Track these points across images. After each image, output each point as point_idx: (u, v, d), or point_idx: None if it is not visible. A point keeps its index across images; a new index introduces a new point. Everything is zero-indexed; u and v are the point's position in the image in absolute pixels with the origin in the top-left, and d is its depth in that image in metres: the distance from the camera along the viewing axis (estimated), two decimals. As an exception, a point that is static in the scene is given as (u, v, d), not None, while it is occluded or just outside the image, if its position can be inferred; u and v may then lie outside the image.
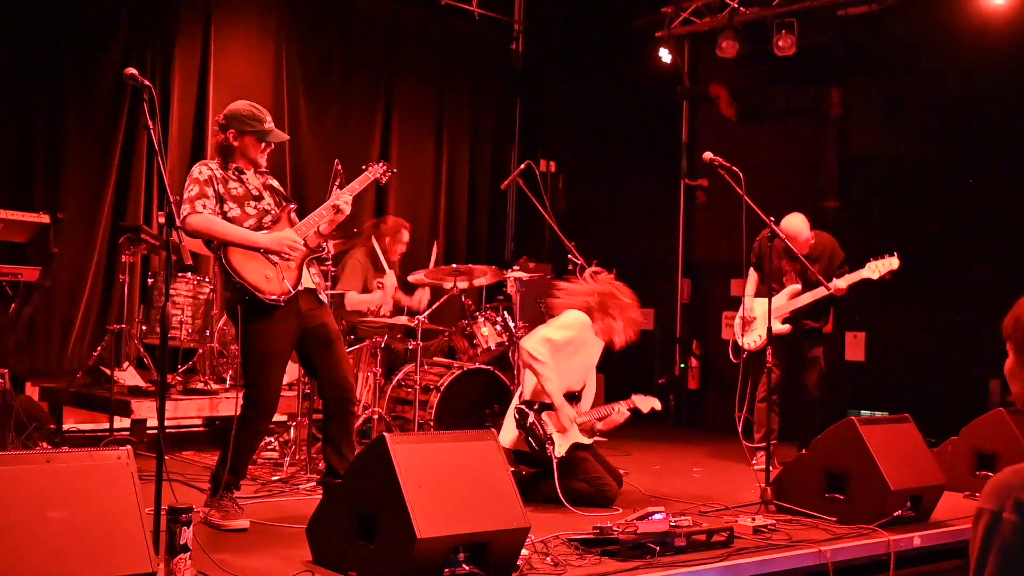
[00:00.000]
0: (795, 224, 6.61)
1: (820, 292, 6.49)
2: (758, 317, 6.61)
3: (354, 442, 4.72)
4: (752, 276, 6.79)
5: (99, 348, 7.21)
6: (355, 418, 4.83)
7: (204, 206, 4.49)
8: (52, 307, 7.96)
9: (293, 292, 4.47)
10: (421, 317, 6.19)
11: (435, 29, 10.38)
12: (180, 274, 7.22)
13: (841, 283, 6.46)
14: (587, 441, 5.45)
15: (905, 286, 6.98)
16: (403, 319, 6.61)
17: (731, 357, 6.67)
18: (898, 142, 8.63)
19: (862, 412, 7.52)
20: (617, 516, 4.51)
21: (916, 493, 4.91)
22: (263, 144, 4.86)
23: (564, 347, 5.37)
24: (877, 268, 6.44)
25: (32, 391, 7.16)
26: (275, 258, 4.50)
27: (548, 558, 3.92)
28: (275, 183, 4.94)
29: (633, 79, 10.19)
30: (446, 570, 3.50)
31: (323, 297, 4.75)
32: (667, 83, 10.04)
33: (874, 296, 6.90)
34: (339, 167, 6.16)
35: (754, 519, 4.66)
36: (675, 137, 10.18)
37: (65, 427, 7.20)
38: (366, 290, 6.86)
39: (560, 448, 5.30)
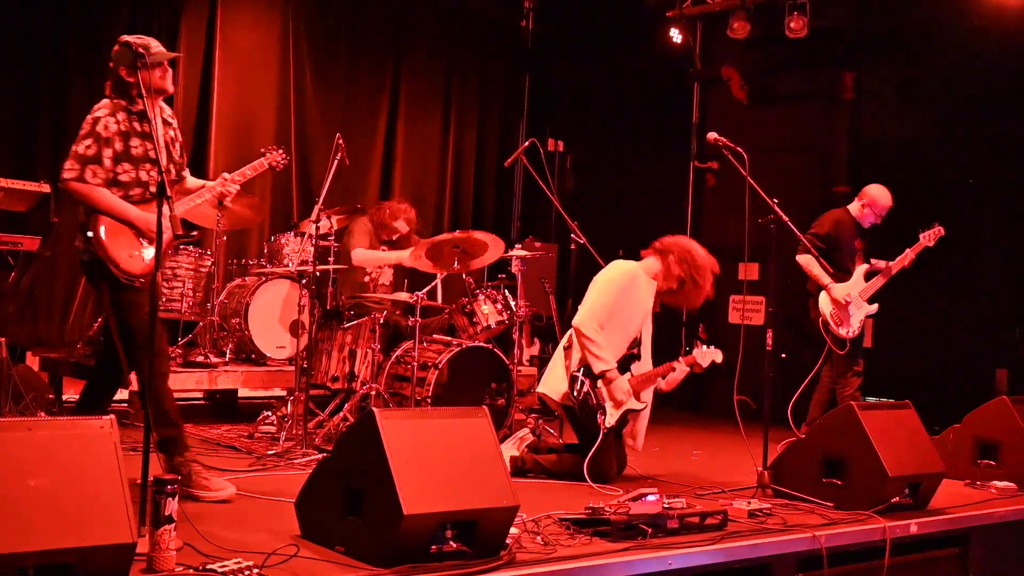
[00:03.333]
0: (880, 190, 6.89)
1: (905, 259, 6.76)
2: (855, 298, 6.71)
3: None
4: (813, 261, 6.66)
5: (100, 319, 7.21)
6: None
7: (94, 174, 4.34)
8: (53, 277, 7.98)
9: (153, 273, 4.23)
10: (421, 294, 6.17)
11: (444, 4, 10.33)
12: (182, 247, 7.23)
13: (911, 253, 6.76)
14: (639, 406, 5.45)
15: (913, 272, 6.93)
16: (403, 295, 6.60)
17: (836, 350, 6.70)
18: (911, 127, 8.56)
19: (867, 398, 7.48)
20: (612, 496, 4.49)
21: (914, 480, 4.88)
22: (155, 70, 4.41)
23: (613, 308, 5.38)
24: (931, 236, 6.73)
25: (32, 361, 7.17)
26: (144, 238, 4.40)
27: (538, 537, 3.90)
28: (176, 134, 4.73)
29: (644, 59, 10.12)
30: (433, 547, 3.48)
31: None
32: (678, 64, 9.98)
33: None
34: (340, 141, 6.15)
35: (750, 503, 4.64)
36: (685, 119, 10.13)
37: (64, 397, 7.22)
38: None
39: (612, 418, 5.31)
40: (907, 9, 8.44)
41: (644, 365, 5.55)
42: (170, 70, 4.51)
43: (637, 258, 5.68)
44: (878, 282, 6.74)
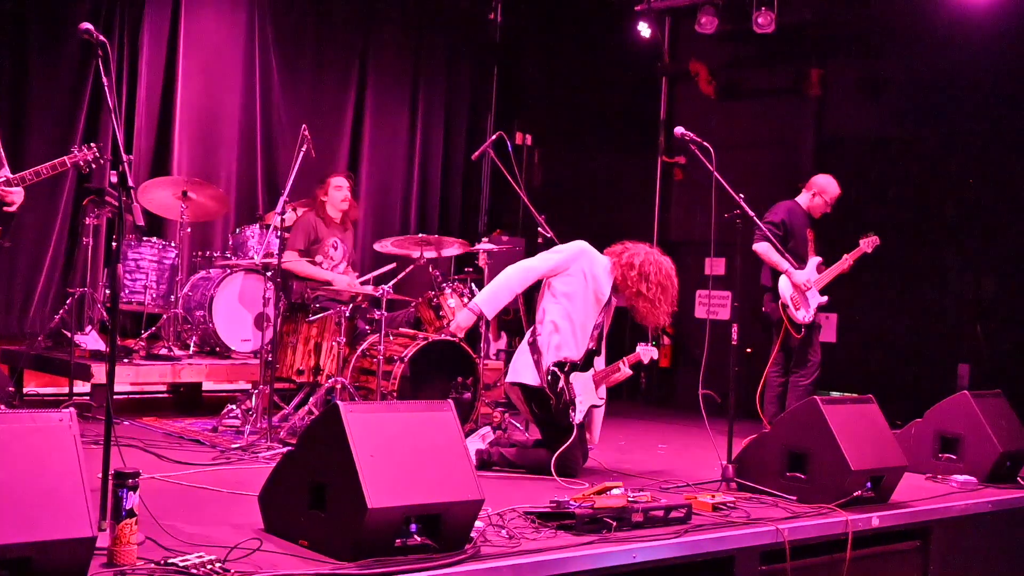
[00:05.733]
0: (828, 179, 6.99)
1: (844, 264, 6.82)
2: (812, 288, 6.79)
3: None
4: (771, 249, 6.70)
5: (61, 311, 7.14)
6: None
7: None
8: (13, 268, 7.90)
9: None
10: (386, 287, 6.16)
11: (412, -4, 10.30)
12: (145, 239, 7.18)
13: (850, 258, 6.81)
14: (599, 401, 5.48)
15: (877, 268, 7.02)
16: (368, 288, 6.58)
17: (794, 334, 6.75)
18: (876, 123, 8.63)
19: (831, 393, 7.54)
20: (578, 490, 4.51)
21: (877, 474, 4.92)
22: None
23: (551, 273, 5.43)
24: (870, 243, 6.80)
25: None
26: None
27: (503, 531, 3.91)
28: None
29: (612, 53, 10.15)
30: (397, 540, 3.47)
31: None
32: (646, 58, 10.01)
33: (846, 278, 6.94)
34: (306, 133, 6.13)
35: (714, 496, 4.67)
36: (653, 113, 10.16)
37: (26, 390, 7.15)
38: (309, 250, 6.85)
39: (580, 414, 5.34)
40: (872, 6, 8.51)
41: (603, 360, 5.59)
42: None
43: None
44: (827, 276, 6.84)
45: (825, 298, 6.86)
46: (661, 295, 5.46)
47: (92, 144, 4.37)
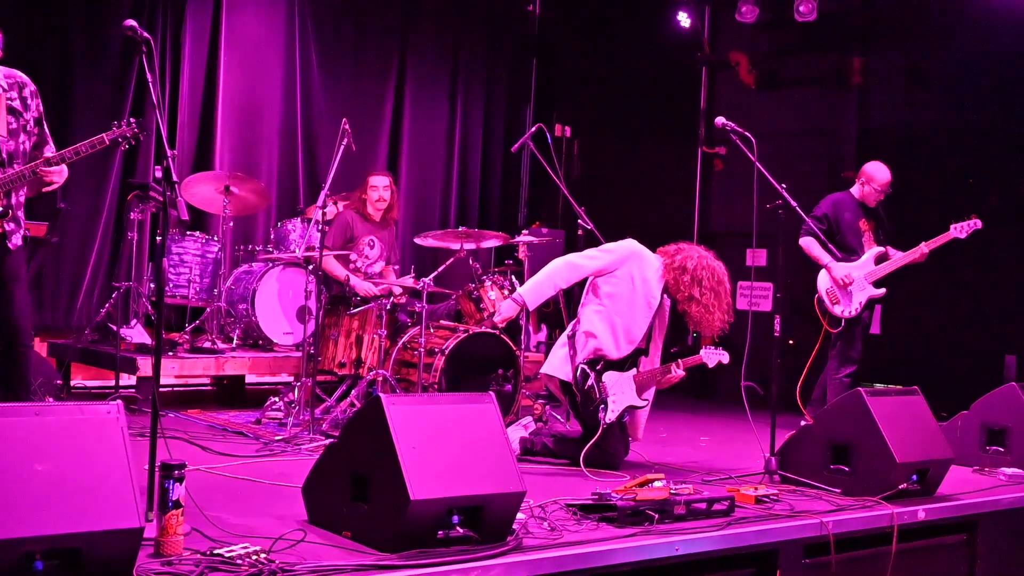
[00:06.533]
0: (877, 165, 6.84)
1: (913, 254, 6.62)
2: (856, 280, 6.64)
3: (28, 379, 4.60)
4: (814, 243, 6.70)
5: (107, 305, 7.23)
6: (28, 352, 4.59)
7: None
8: (60, 263, 8.00)
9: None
10: (427, 280, 6.17)
11: (451, -11, 10.31)
12: (188, 233, 7.25)
13: (925, 247, 6.59)
14: (641, 404, 5.41)
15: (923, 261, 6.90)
16: (409, 281, 6.60)
17: (829, 328, 6.68)
18: (918, 112, 8.52)
19: (876, 385, 7.46)
20: (619, 483, 4.50)
21: (922, 466, 4.87)
22: None
23: (598, 274, 5.37)
24: (964, 228, 6.53)
25: (40, 347, 7.20)
26: None
27: (545, 523, 3.91)
28: (14, 100, 4.44)
29: (651, 44, 10.09)
30: (440, 532, 3.48)
31: (9, 244, 4.43)
32: (686, 48, 9.94)
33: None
34: (347, 127, 6.15)
35: (757, 489, 4.64)
36: (693, 104, 10.09)
37: (73, 383, 7.24)
38: (345, 247, 6.89)
39: (612, 413, 5.29)
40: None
41: (651, 361, 5.51)
42: None
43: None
44: (886, 268, 6.68)
45: (881, 291, 6.69)
46: (715, 301, 5.35)
47: (132, 120, 4.32)
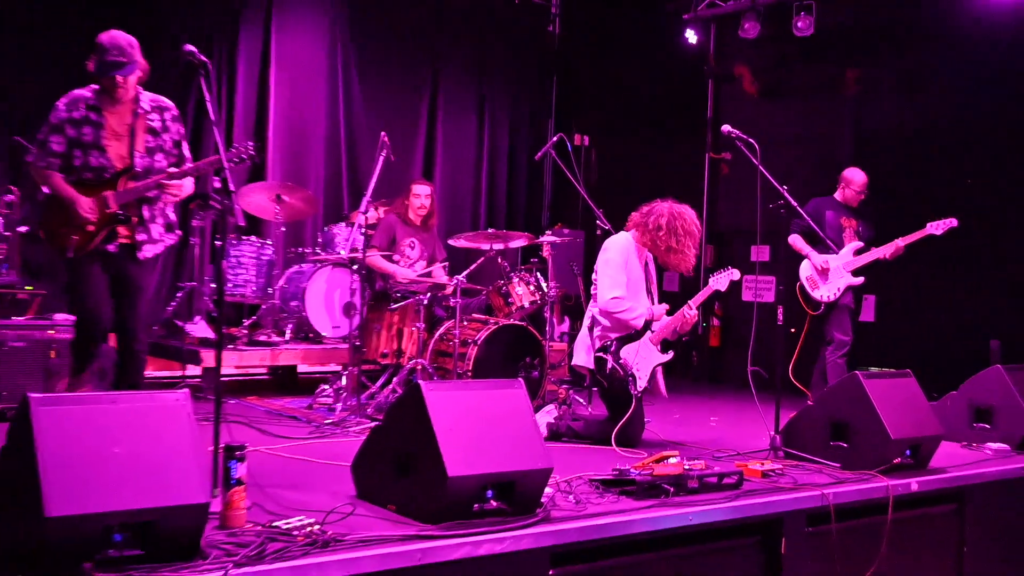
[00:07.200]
0: (853, 170, 6.92)
1: (888, 249, 6.63)
2: (833, 268, 6.68)
3: (138, 382, 4.64)
4: (799, 238, 6.79)
5: (173, 304, 7.30)
6: (141, 355, 4.63)
7: (46, 158, 4.29)
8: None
9: (86, 251, 4.21)
10: (460, 277, 6.19)
11: (478, 13, 10.31)
12: (245, 238, 7.30)
13: (901, 242, 6.60)
14: (664, 358, 5.40)
15: (913, 253, 6.86)
16: (444, 279, 6.63)
17: (808, 311, 6.71)
18: (910, 118, 8.44)
19: (871, 368, 7.42)
20: (637, 459, 4.50)
21: (915, 442, 4.85)
22: (108, 79, 4.27)
23: (622, 277, 5.34)
24: (940, 226, 6.55)
25: (114, 342, 7.25)
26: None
27: (570, 496, 3.92)
28: (160, 125, 4.45)
29: (662, 59, 10.05)
30: (475, 505, 3.50)
31: (140, 255, 4.45)
32: (693, 62, 9.90)
33: (884, 262, 6.79)
34: (385, 139, 6.18)
35: (763, 464, 4.63)
36: (701, 113, 10.04)
37: (144, 374, 7.30)
38: (390, 249, 6.95)
39: (642, 381, 5.29)
40: (907, 7, 8.31)
41: (660, 315, 5.51)
42: (129, 77, 4.31)
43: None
44: (863, 259, 6.69)
45: (860, 279, 6.73)
46: (690, 242, 5.39)
47: (249, 143, 4.36)
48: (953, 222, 6.54)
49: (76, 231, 4.25)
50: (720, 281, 5.37)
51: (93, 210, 4.27)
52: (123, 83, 4.24)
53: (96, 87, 4.31)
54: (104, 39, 4.22)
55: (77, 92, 4.32)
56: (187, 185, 4.43)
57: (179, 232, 4.69)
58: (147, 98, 4.37)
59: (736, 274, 5.38)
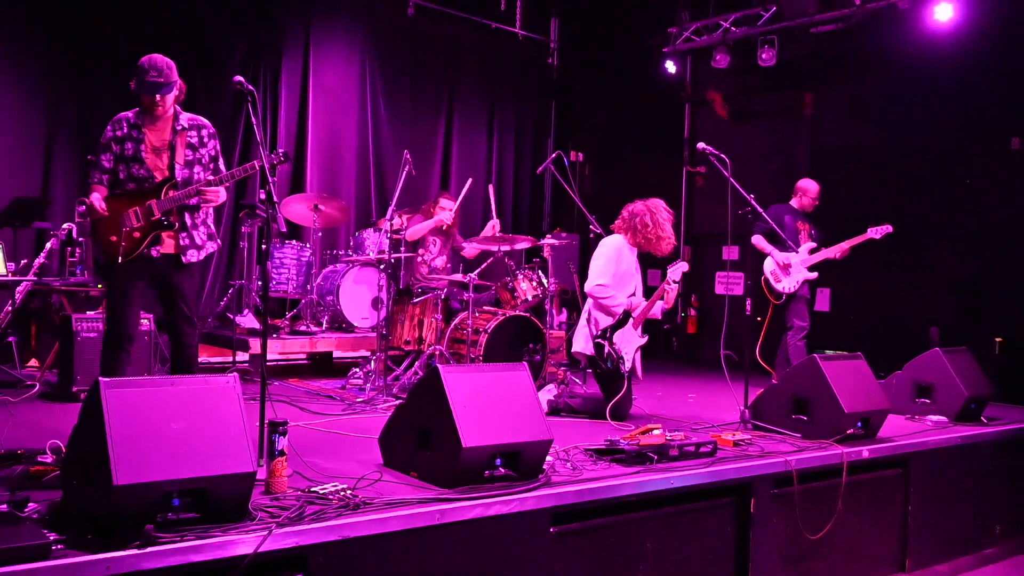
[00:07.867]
0: (806, 181, 6.91)
1: (837, 250, 6.60)
2: (794, 264, 6.64)
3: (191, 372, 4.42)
4: (762, 239, 6.77)
5: (225, 299, 7.28)
6: (191, 352, 4.38)
7: (97, 174, 4.20)
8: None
9: (133, 256, 4.10)
10: (472, 275, 6.16)
11: (487, 47, 10.26)
12: (287, 242, 7.27)
13: (847, 244, 6.57)
14: (642, 340, 5.39)
15: (864, 252, 6.81)
16: (459, 276, 6.59)
17: (772, 300, 6.69)
18: (859, 137, 8.40)
19: (827, 351, 7.36)
20: (626, 432, 4.47)
21: (865, 415, 4.81)
22: (147, 96, 4.12)
23: (610, 270, 5.37)
24: (878, 231, 6.52)
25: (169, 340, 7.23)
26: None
27: (568, 464, 3.89)
28: (197, 140, 4.29)
29: (645, 86, 10.00)
30: (486, 472, 3.48)
31: (184, 259, 4.26)
32: (673, 89, 9.85)
33: (836, 261, 6.75)
34: (408, 157, 6.13)
35: (734, 435, 4.60)
36: (679, 133, 9.99)
37: (200, 360, 7.28)
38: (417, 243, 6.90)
39: (629, 360, 5.28)
40: (856, 39, 8.25)
41: (638, 299, 5.52)
42: (167, 96, 4.15)
43: None
44: (816, 257, 6.66)
45: (814, 274, 6.71)
46: (668, 225, 5.47)
47: (281, 151, 4.16)
48: (888, 228, 6.55)
49: (125, 237, 4.15)
50: (675, 272, 5.34)
51: (139, 217, 4.18)
52: (160, 101, 4.12)
53: (138, 108, 4.23)
54: (144, 61, 4.10)
55: (122, 114, 4.23)
56: (222, 193, 4.33)
57: (219, 241, 4.56)
58: (186, 117, 4.30)
59: (685, 266, 5.38)
